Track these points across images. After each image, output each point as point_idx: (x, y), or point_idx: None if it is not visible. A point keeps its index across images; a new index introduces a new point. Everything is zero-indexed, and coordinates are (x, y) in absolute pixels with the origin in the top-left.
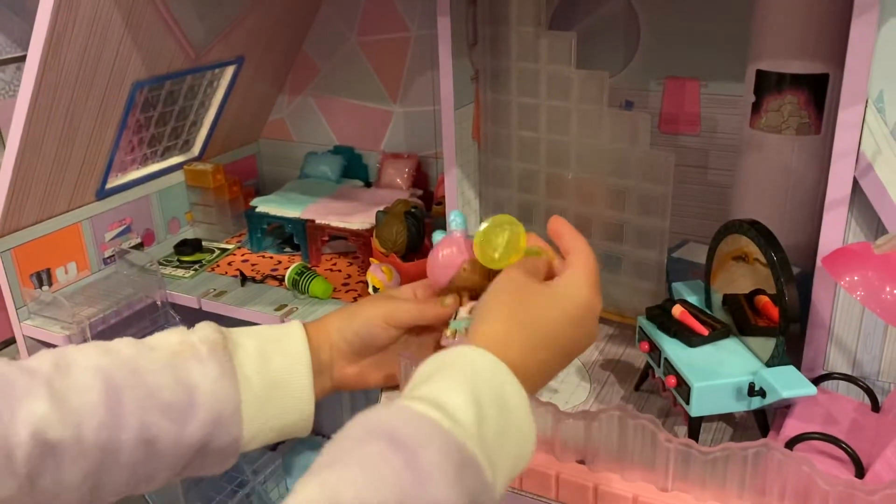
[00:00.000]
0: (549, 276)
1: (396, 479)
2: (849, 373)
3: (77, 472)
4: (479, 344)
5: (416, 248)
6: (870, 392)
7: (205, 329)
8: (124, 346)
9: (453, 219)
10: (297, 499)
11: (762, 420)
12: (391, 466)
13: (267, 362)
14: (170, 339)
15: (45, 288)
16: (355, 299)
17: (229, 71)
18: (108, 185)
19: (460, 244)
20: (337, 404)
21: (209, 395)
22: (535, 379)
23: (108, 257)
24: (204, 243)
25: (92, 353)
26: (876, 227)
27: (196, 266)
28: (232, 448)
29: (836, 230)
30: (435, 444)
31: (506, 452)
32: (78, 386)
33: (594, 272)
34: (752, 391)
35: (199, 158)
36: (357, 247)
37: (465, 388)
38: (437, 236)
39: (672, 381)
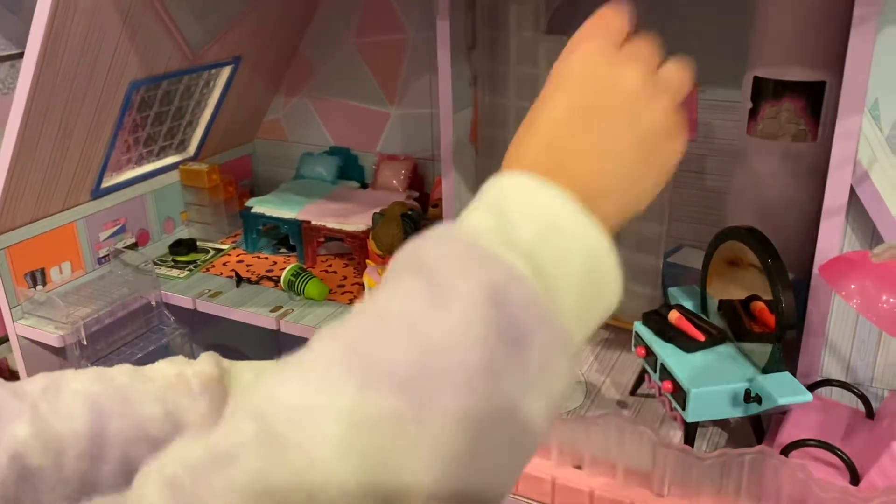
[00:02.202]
0: None
1: (398, 288)
2: (843, 379)
3: (55, 500)
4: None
5: None
6: (864, 399)
7: (203, 363)
8: (120, 373)
9: None
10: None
11: (757, 426)
12: (394, 283)
13: None
14: (167, 370)
15: (40, 287)
16: (351, 301)
17: (226, 71)
18: (104, 185)
19: None
20: None
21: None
22: (590, 188)
23: (102, 257)
24: (199, 243)
25: (86, 377)
26: (871, 236)
27: (191, 266)
28: None
29: (833, 238)
30: (439, 249)
31: (558, 256)
32: (64, 412)
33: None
34: (749, 397)
35: (194, 158)
36: (353, 248)
37: (482, 206)
38: None
39: (668, 386)
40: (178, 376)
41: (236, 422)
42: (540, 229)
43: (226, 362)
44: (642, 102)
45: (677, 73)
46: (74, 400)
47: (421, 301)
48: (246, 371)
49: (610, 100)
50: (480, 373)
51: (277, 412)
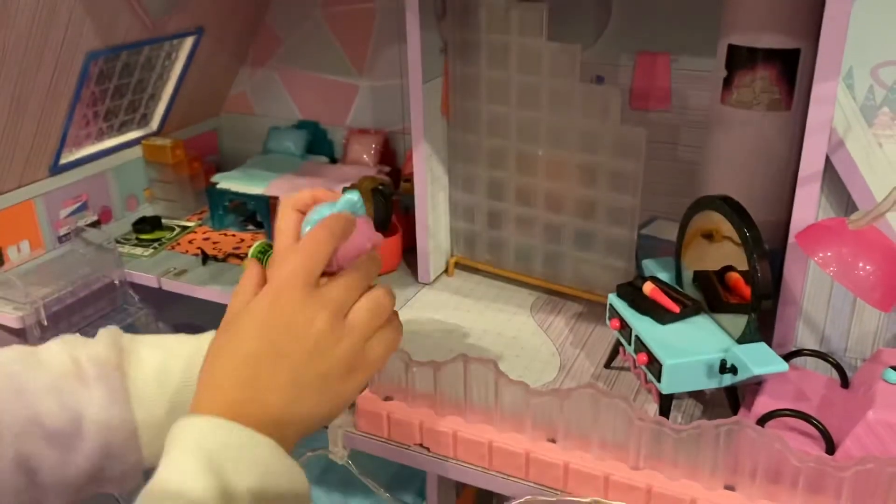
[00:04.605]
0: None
1: None
2: (817, 348)
3: None
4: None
5: (384, 225)
6: (839, 368)
7: (99, 343)
8: (11, 360)
9: (356, 201)
10: None
11: (733, 397)
12: None
13: (168, 379)
14: (60, 355)
15: None
16: None
17: (188, 42)
18: (62, 161)
19: (364, 228)
20: None
21: (97, 423)
22: (276, 414)
23: (63, 235)
24: (163, 221)
25: None
26: (846, 204)
27: (155, 244)
28: (133, 471)
29: (808, 206)
30: None
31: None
32: None
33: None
34: (724, 368)
35: (157, 133)
36: None
37: (201, 469)
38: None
39: (643, 358)
40: (71, 362)
41: None
42: (257, 483)
43: (126, 339)
44: (327, 343)
45: (365, 315)
46: None
47: None
48: (147, 349)
49: (299, 342)
50: None
51: None
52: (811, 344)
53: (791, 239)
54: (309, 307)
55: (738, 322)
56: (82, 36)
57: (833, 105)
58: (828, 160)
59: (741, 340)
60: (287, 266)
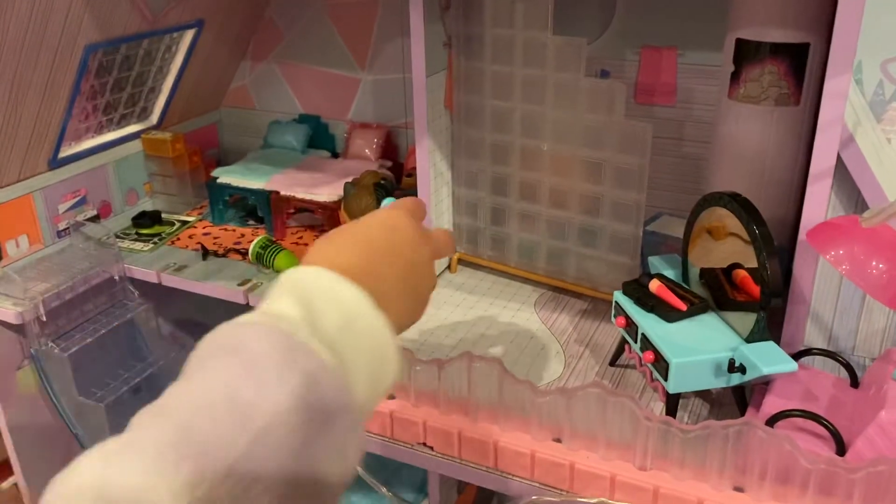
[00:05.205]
0: None
1: (223, 372)
2: (824, 347)
3: None
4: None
5: None
6: (849, 367)
7: None
8: None
9: None
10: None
11: (740, 396)
12: (217, 366)
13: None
14: None
15: None
16: None
17: (188, 35)
18: (62, 154)
19: None
20: None
21: None
22: (376, 291)
23: (62, 230)
24: (163, 215)
25: None
26: (856, 201)
27: (155, 239)
28: None
29: (819, 203)
30: (260, 337)
31: (355, 346)
32: None
33: (403, 203)
34: (732, 367)
35: (157, 127)
36: (324, 220)
37: (288, 296)
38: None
39: (649, 356)
40: None
41: (79, 501)
42: (342, 320)
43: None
44: (428, 266)
45: (443, 237)
46: None
47: (246, 389)
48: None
49: (411, 249)
50: (297, 451)
51: (117, 491)
52: (818, 343)
53: (801, 236)
54: (419, 235)
55: (747, 320)
56: (81, 28)
57: (845, 100)
58: (838, 157)
59: (749, 339)
60: (399, 202)
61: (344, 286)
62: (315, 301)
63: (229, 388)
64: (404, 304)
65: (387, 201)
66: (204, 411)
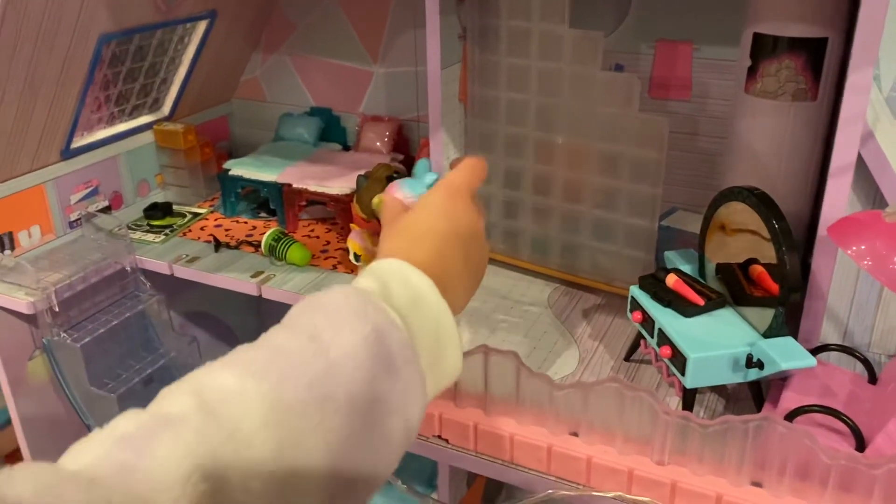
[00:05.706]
0: None
1: (307, 322)
2: (840, 343)
3: None
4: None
5: None
6: (867, 363)
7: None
8: None
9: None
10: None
11: (756, 392)
12: (303, 318)
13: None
14: None
15: (8, 252)
16: (335, 267)
17: (201, 26)
18: (74, 145)
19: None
20: None
21: None
22: (443, 277)
23: (74, 221)
24: (175, 207)
25: None
26: (874, 197)
27: (167, 231)
28: None
29: (839, 199)
30: (340, 297)
31: (420, 323)
32: None
33: (446, 182)
34: (750, 362)
35: (169, 118)
36: (336, 212)
37: (368, 276)
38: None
39: (666, 351)
40: None
41: (177, 396)
42: (410, 298)
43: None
44: (482, 242)
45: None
46: None
47: (325, 332)
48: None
49: (470, 233)
50: (365, 385)
51: (211, 393)
52: (834, 338)
53: (821, 232)
54: (473, 210)
55: (764, 315)
56: (95, 18)
57: (868, 95)
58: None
59: (767, 334)
60: (456, 176)
61: (413, 272)
62: (389, 281)
63: (312, 331)
64: (468, 281)
65: (431, 176)
66: (290, 343)
